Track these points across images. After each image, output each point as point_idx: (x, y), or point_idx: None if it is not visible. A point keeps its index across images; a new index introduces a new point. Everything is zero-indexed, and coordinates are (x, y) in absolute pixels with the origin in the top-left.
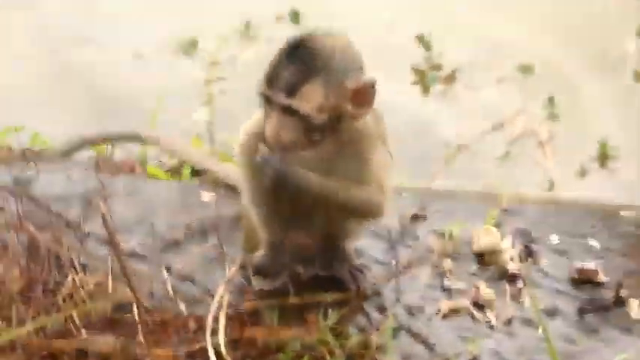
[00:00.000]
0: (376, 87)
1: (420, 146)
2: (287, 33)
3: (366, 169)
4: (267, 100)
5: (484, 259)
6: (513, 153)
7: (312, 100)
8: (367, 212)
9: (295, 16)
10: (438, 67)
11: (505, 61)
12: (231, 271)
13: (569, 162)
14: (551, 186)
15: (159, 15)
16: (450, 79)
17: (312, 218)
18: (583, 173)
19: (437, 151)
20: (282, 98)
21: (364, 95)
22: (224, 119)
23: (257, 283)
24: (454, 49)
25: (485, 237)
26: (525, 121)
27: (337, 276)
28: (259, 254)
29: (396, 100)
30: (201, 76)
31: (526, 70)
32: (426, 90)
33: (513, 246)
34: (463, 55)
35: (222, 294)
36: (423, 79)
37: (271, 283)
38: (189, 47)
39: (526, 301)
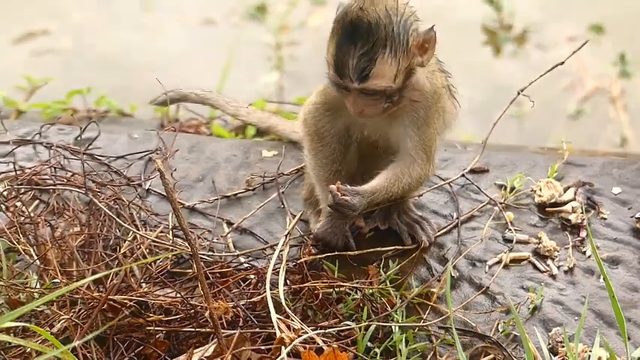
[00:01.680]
0: (434, 30)
1: (492, 104)
2: None
3: (422, 134)
4: (341, 86)
5: (546, 210)
6: (585, 110)
7: (385, 75)
8: (416, 188)
9: None
10: (508, 28)
11: (575, 20)
12: (292, 224)
13: None
14: (623, 142)
15: None
16: (521, 39)
17: (374, 174)
18: None
19: (508, 109)
20: (356, 84)
21: (427, 43)
22: (293, 83)
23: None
24: (524, 9)
25: (547, 189)
26: (597, 79)
27: (395, 229)
28: (320, 224)
29: (468, 61)
30: (270, 40)
31: (597, 29)
32: (497, 50)
33: (575, 197)
34: (534, 15)
35: (282, 247)
36: (494, 39)
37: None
38: (259, 12)
39: (587, 250)
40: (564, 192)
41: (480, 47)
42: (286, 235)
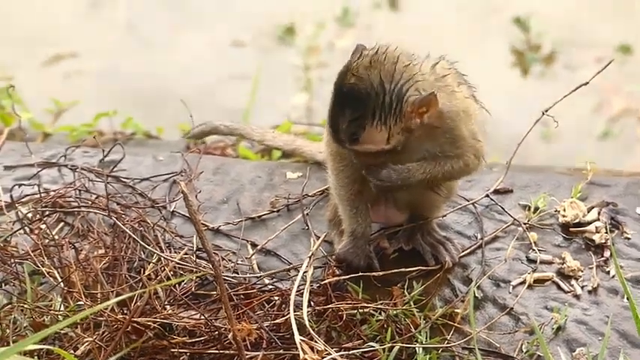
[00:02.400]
0: (434, 94)
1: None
2: (384, 19)
3: (455, 143)
4: (341, 143)
5: (570, 230)
6: (613, 131)
7: (375, 140)
8: (468, 174)
9: (393, 3)
10: (536, 49)
11: (603, 41)
12: (316, 245)
13: None
14: None
15: (257, 2)
16: (549, 59)
17: (397, 196)
18: None
19: (534, 129)
20: (348, 146)
21: (426, 107)
22: (322, 104)
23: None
24: (553, 29)
25: (571, 209)
26: (624, 99)
27: (418, 249)
28: (342, 244)
29: (496, 82)
30: (298, 62)
31: (624, 49)
32: (525, 71)
33: (599, 217)
34: (562, 35)
35: (306, 268)
36: (522, 60)
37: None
38: (287, 34)
39: (611, 270)
40: (588, 212)
41: (508, 68)
42: (310, 257)
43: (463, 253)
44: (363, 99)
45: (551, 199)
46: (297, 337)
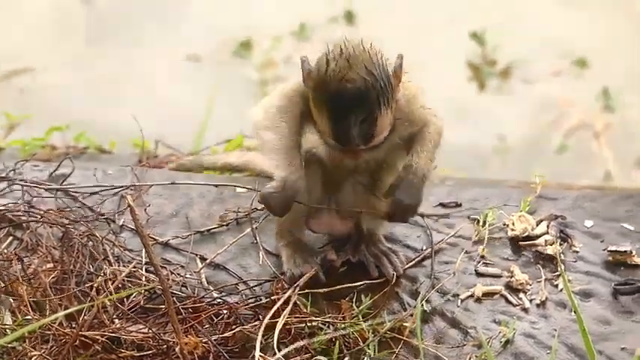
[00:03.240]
0: (401, 56)
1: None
2: (341, 34)
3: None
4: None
5: (519, 244)
6: (569, 145)
7: (385, 127)
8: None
9: (349, 17)
10: (493, 63)
11: (560, 55)
12: (264, 259)
13: (626, 152)
14: (607, 177)
15: (213, 17)
16: (506, 74)
17: (341, 200)
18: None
19: (492, 144)
20: (362, 147)
21: (399, 70)
22: None
23: (290, 268)
24: (509, 44)
25: (520, 223)
26: (581, 113)
27: (363, 261)
28: (269, 186)
29: (452, 95)
30: (255, 76)
31: (581, 63)
32: (481, 85)
33: (548, 231)
34: (518, 50)
35: (256, 282)
36: (479, 74)
37: (303, 269)
38: (244, 48)
39: (560, 284)
40: (537, 225)
41: (465, 83)
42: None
43: (408, 265)
44: (367, 96)
45: (500, 212)
46: (257, 353)
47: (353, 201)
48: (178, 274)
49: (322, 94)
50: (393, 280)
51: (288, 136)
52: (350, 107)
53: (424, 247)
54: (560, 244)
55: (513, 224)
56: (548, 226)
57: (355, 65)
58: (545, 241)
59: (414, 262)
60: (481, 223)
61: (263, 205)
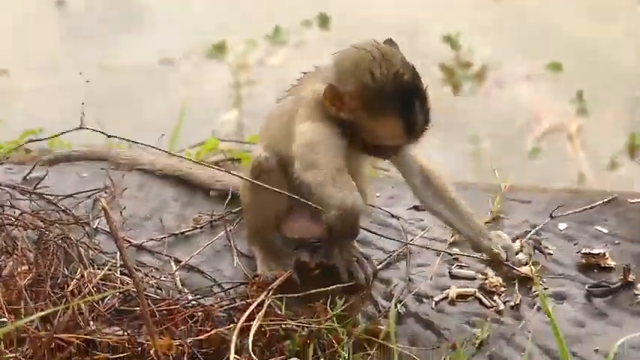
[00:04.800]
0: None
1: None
2: (315, 37)
3: None
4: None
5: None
6: (543, 148)
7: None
8: None
9: (324, 21)
10: (467, 66)
11: (534, 57)
12: (238, 262)
13: (599, 155)
14: (580, 179)
15: (187, 20)
16: (480, 76)
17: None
18: (613, 165)
19: (466, 146)
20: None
21: None
22: (252, 121)
23: (264, 271)
24: (483, 48)
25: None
26: (555, 116)
27: (335, 264)
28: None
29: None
30: (229, 79)
31: (554, 66)
32: (455, 88)
33: (522, 249)
34: (493, 53)
35: (230, 284)
36: (453, 77)
37: (277, 272)
38: (218, 51)
39: (534, 286)
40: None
41: (439, 85)
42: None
43: (380, 267)
44: (422, 83)
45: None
46: (232, 355)
47: None
48: (153, 276)
49: (384, 97)
50: (371, 284)
51: (337, 158)
52: (415, 98)
53: (397, 250)
54: (533, 251)
55: None
56: (522, 246)
57: (395, 60)
58: (520, 260)
59: (385, 262)
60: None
61: (342, 230)
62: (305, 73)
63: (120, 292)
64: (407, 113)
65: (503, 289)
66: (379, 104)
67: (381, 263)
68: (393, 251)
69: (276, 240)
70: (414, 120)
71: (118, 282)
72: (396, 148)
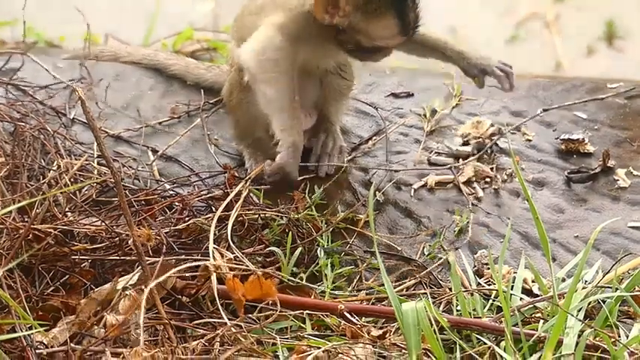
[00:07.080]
0: None
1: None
2: None
3: None
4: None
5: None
6: (521, 35)
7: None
8: None
9: None
10: None
11: None
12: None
13: (577, 43)
14: (558, 66)
15: None
16: None
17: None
18: (590, 52)
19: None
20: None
21: None
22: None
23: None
24: None
25: (475, 129)
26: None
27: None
28: (282, 155)
29: None
30: None
31: None
32: None
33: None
34: None
35: (208, 174)
36: None
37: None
38: None
39: (513, 172)
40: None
41: None
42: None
43: (353, 155)
44: None
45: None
46: (212, 245)
47: (314, 96)
48: (130, 166)
49: None
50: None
51: (288, 90)
52: None
53: (378, 138)
54: (513, 134)
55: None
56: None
57: None
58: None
59: (361, 142)
60: (430, 113)
61: (278, 174)
62: None
63: (97, 183)
64: (400, 11)
65: (483, 176)
66: (373, 4)
67: (353, 150)
68: (369, 138)
69: (263, 135)
70: (406, 17)
71: (96, 173)
72: (387, 50)
